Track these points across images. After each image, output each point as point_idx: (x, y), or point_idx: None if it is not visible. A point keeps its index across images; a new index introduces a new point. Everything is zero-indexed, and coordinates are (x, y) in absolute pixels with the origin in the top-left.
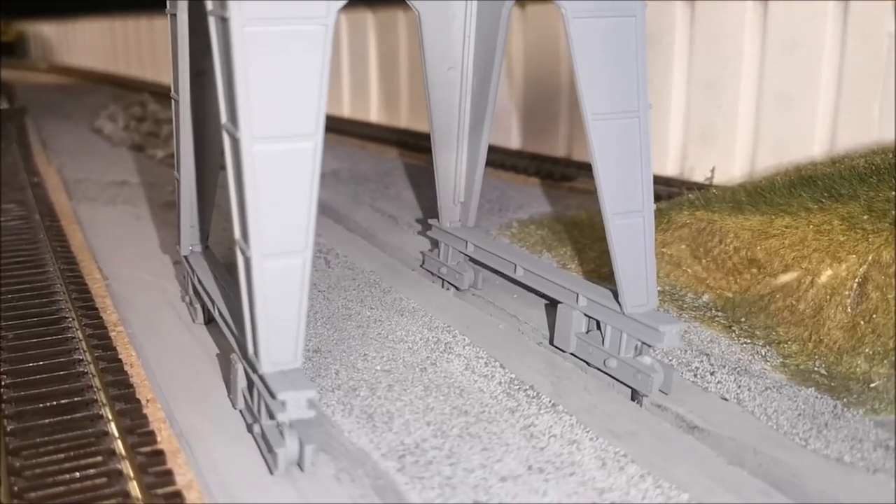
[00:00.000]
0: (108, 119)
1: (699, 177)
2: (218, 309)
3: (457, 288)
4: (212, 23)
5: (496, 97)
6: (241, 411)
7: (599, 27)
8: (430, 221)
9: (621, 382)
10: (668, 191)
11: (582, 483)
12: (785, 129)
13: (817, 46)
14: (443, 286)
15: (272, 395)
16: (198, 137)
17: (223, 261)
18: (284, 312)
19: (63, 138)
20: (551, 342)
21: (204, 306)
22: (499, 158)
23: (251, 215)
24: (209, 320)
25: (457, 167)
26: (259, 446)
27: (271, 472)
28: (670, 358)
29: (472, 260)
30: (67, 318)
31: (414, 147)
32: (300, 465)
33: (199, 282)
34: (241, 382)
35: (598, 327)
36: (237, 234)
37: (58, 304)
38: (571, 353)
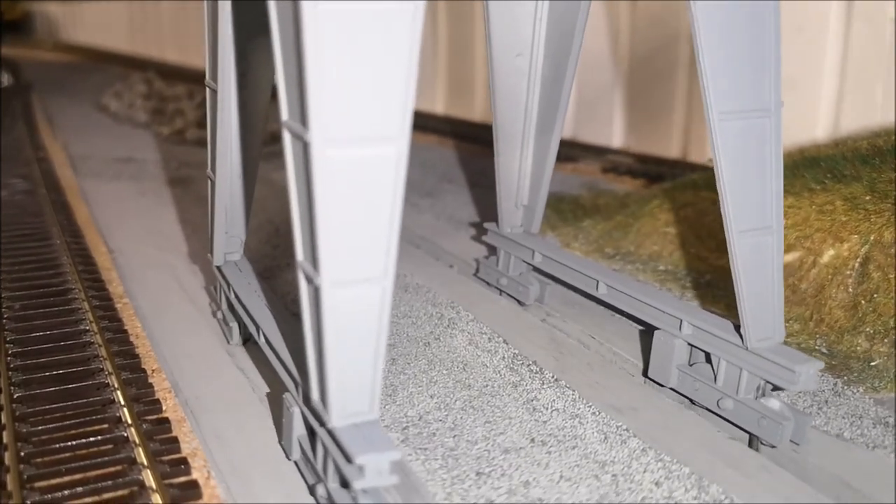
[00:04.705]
0: (113, 96)
1: (703, 158)
2: (264, 335)
3: (520, 302)
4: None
5: (571, 89)
6: (296, 463)
7: (730, 9)
8: (487, 226)
9: (739, 427)
10: (672, 172)
11: (584, 456)
12: (789, 111)
13: (821, 31)
14: (500, 294)
15: (347, 458)
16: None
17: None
18: (359, 353)
19: (69, 115)
20: (645, 373)
21: (241, 325)
22: None
23: (321, 235)
24: (247, 340)
25: (521, 166)
26: None
27: None
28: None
29: (536, 270)
30: (73, 289)
31: (422, 128)
32: None
33: (237, 298)
34: (299, 429)
35: (708, 360)
36: (300, 255)
37: (64, 276)
38: (671, 389)
